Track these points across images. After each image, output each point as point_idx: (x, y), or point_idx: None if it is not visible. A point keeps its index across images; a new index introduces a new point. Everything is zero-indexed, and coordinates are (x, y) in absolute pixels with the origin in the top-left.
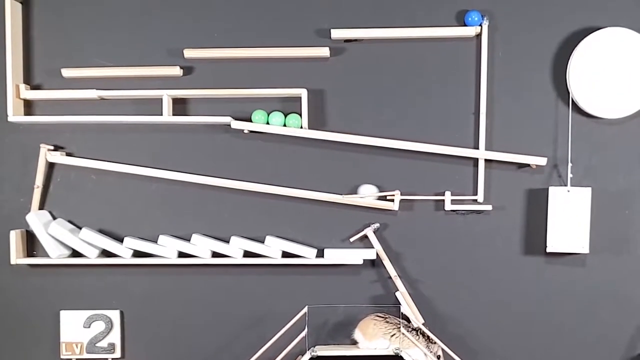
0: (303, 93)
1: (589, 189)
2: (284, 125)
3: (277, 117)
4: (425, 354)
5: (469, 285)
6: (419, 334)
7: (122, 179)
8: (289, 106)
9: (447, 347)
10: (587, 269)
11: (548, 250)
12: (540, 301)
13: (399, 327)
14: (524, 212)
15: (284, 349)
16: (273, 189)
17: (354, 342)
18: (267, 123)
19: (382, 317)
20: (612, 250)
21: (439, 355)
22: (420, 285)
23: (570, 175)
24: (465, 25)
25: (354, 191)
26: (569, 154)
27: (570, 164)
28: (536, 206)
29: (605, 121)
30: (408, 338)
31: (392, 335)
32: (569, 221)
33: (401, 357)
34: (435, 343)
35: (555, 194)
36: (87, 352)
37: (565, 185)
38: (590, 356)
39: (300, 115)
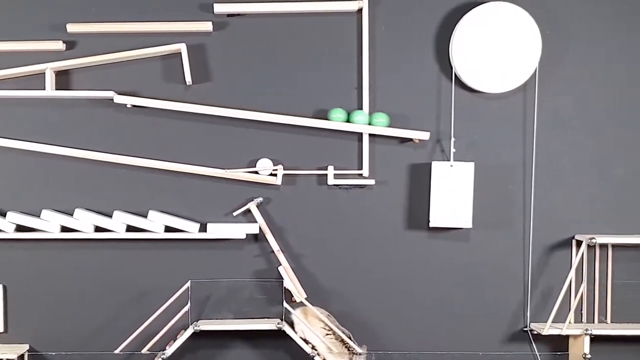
0: (182, 49)
1: (472, 163)
2: (369, 124)
3: (360, 115)
4: (330, 350)
5: (351, 260)
6: (344, 343)
7: (5, 154)
8: (172, 75)
9: (330, 321)
10: (470, 244)
11: (431, 225)
12: (423, 275)
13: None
14: (407, 186)
15: (167, 323)
16: (157, 163)
17: (290, 322)
18: (348, 121)
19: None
20: (495, 225)
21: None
22: (302, 259)
23: (453, 149)
24: None
25: (237, 165)
26: (452, 129)
27: (453, 139)
28: (419, 181)
29: (488, 96)
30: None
31: (326, 334)
32: (452, 196)
33: (284, 331)
34: (359, 355)
35: (438, 168)
36: None
37: (449, 159)
38: (473, 330)
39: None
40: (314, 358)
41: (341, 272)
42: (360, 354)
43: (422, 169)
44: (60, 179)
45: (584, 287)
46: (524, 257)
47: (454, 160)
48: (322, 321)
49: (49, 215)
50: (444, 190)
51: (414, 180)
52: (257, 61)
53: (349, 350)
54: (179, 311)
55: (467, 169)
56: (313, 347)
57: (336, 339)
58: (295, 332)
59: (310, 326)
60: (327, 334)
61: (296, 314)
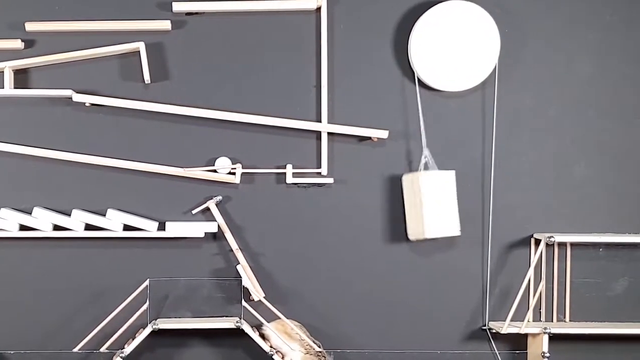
0: (141, 47)
1: (453, 172)
2: None
3: None
4: None
5: (310, 258)
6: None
7: None
8: (131, 74)
9: (288, 320)
10: (428, 243)
11: (428, 236)
12: (381, 274)
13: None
14: (365, 185)
15: (126, 321)
16: (115, 162)
17: (262, 335)
18: None
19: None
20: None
21: None
22: (261, 258)
23: (424, 160)
24: None
25: (195, 164)
26: (422, 129)
27: (426, 148)
28: (377, 179)
29: (447, 94)
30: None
31: (306, 352)
32: (440, 205)
33: (242, 329)
34: None
35: (426, 178)
36: None
37: (410, 160)
38: (432, 329)
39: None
40: (273, 357)
41: (299, 271)
42: None
43: (380, 167)
44: (19, 177)
45: (542, 285)
46: (483, 256)
47: (416, 161)
48: (302, 339)
49: (7, 214)
50: (433, 201)
51: (372, 178)
52: (215, 60)
53: None
54: (138, 310)
55: (449, 177)
56: (271, 346)
57: (315, 355)
58: (271, 348)
59: (288, 343)
60: (307, 353)
61: (271, 328)
